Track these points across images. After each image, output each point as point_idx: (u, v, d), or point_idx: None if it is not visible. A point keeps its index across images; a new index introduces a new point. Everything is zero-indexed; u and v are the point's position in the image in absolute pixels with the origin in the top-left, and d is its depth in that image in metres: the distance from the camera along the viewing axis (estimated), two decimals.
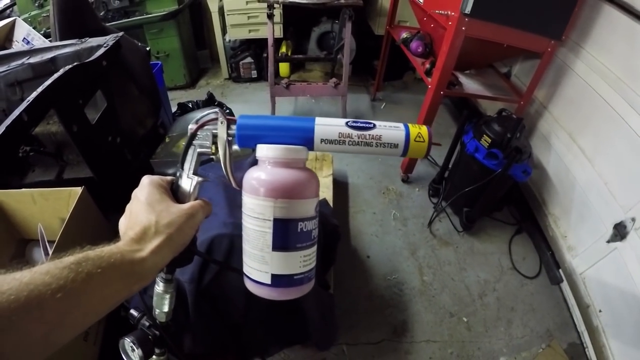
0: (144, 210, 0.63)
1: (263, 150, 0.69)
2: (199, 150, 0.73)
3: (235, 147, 0.72)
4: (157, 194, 0.66)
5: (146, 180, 0.69)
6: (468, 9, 2.29)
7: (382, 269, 2.70)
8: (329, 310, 2.12)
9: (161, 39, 4.05)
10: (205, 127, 0.72)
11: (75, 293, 0.47)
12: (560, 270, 2.78)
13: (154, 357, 0.87)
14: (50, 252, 1.46)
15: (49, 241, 1.62)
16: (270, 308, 1.70)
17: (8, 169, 1.51)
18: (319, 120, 0.71)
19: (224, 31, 4.24)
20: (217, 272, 1.39)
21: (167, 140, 2.51)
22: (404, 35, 3.38)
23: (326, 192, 2.65)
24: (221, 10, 4.05)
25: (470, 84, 2.99)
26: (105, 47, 1.95)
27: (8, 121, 1.33)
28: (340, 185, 3.16)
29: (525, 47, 2.60)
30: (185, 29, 4.28)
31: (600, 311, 2.41)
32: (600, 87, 2.39)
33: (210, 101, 3.13)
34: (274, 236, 0.66)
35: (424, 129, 0.74)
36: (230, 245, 1.35)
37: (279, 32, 4.03)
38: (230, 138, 0.71)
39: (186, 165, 0.73)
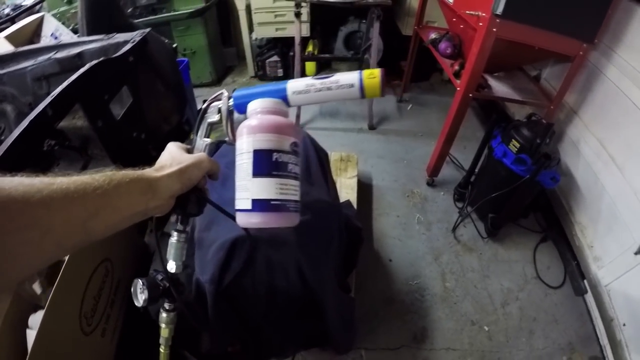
0: (166, 155, 0.83)
1: (249, 106, 0.86)
2: (208, 120, 0.97)
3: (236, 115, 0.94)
4: (177, 148, 0.86)
5: (171, 143, 0.89)
6: (500, 10, 2.25)
7: (404, 274, 2.67)
8: (349, 313, 2.10)
9: (188, 36, 4.07)
10: (213, 103, 0.97)
11: (108, 193, 0.62)
12: (585, 281, 2.73)
13: (163, 314, 0.98)
14: None
15: None
16: (290, 309, 1.69)
17: (33, 162, 1.51)
18: (291, 81, 0.91)
19: (250, 29, 4.24)
20: (237, 273, 1.38)
21: (191, 137, 2.51)
22: (433, 35, 3.33)
23: (350, 193, 2.62)
24: (248, 8, 4.05)
25: (499, 87, 2.93)
26: (132, 42, 1.94)
27: (32, 115, 1.33)
28: (365, 187, 3.12)
29: (556, 50, 2.54)
30: (212, 27, 4.29)
31: (624, 325, 2.35)
32: (633, 93, 2.32)
33: None
34: (254, 164, 0.78)
35: (376, 70, 0.88)
36: (251, 248, 1.35)
37: (306, 31, 4.01)
38: (230, 107, 0.94)
39: (200, 132, 0.98)
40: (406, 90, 4.21)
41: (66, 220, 0.56)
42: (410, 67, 3.98)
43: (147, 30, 2.14)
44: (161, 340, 0.99)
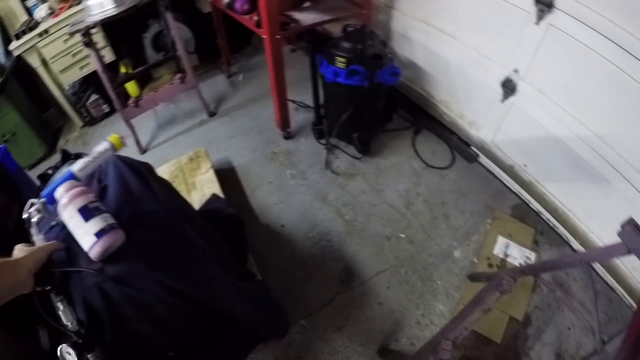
0: (16, 252, 1.11)
1: (56, 195, 1.22)
2: (34, 221, 1.28)
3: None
4: (22, 245, 1.14)
5: (16, 246, 1.15)
6: None
7: (302, 230, 2.61)
8: (264, 298, 2.02)
9: None
10: (30, 209, 1.29)
11: None
12: (472, 148, 2.80)
13: None
14: None
15: None
16: (198, 330, 1.59)
17: None
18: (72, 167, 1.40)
19: (58, 81, 3.95)
20: (113, 326, 1.26)
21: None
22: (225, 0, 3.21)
23: (212, 186, 2.51)
24: (44, 62, 3.76)
25: (307, 17, 2.86)
26: None
27: None
28: (228, 173, 3.00)
29: None
30: (20, 99, 3.91)
31: (525, 165, 2.48)
32: None
33: (66, 157, 2.90)
34: (82, 216, 1.16)
35: (115, 135, 1.49)
36: (103, 296, 1.24)
37: (110, 55, 3.78)
38: (44, 204, 1.30)
39: (33, 231, 1.27)
40: (231, 63, 4.06)
41: None
42: (223, 40, 3.86)
43: None
44: None
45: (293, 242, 2.55)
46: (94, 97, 4.01)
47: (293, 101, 3.36)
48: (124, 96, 3.41)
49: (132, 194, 1.50)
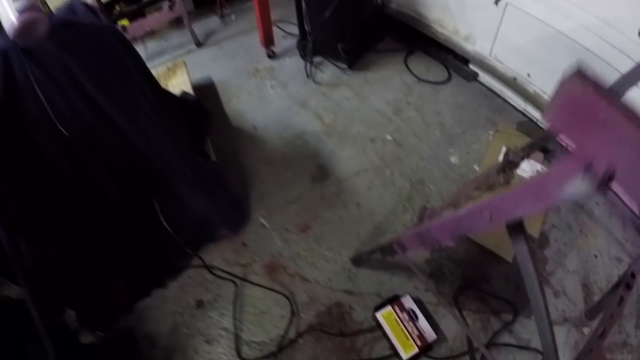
0: None
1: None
2: None
3: None
4: None
5: None
6: None
7: (274, 132, 2.49)
8: (218, 180, 1.92)
9: None
10: None
11: None
12: (471, 66, 2.70)
13: None
14: None
15: None
16: (127, 187, 1.55)
17: None
18: None
19: None
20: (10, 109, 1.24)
21: None
22: None
23: (185, 87, 2.45)
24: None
25: None
26: None
27: None
28: (207, 87, 2.89)
29: None
30: None
31: (529, 75, 2.33)
32: None
33: None
34: None
35: None
36: (4, 58, 1.19)
37: None
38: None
39: None
40: (225, 5, 4.02)
41: None
42: None
43: None
44: None
45: (263, 142, 2.44)
46: None
47: (279, 27, 3.31)
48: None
49: (75, 13, 1.43)
